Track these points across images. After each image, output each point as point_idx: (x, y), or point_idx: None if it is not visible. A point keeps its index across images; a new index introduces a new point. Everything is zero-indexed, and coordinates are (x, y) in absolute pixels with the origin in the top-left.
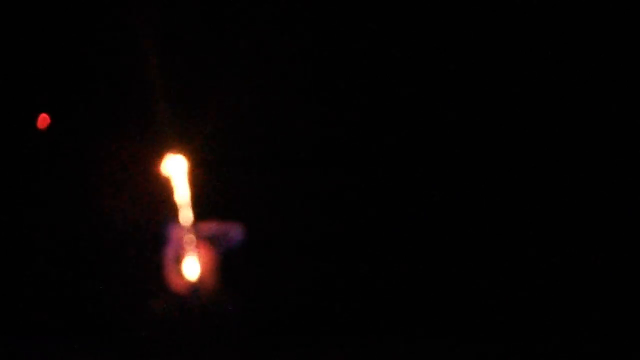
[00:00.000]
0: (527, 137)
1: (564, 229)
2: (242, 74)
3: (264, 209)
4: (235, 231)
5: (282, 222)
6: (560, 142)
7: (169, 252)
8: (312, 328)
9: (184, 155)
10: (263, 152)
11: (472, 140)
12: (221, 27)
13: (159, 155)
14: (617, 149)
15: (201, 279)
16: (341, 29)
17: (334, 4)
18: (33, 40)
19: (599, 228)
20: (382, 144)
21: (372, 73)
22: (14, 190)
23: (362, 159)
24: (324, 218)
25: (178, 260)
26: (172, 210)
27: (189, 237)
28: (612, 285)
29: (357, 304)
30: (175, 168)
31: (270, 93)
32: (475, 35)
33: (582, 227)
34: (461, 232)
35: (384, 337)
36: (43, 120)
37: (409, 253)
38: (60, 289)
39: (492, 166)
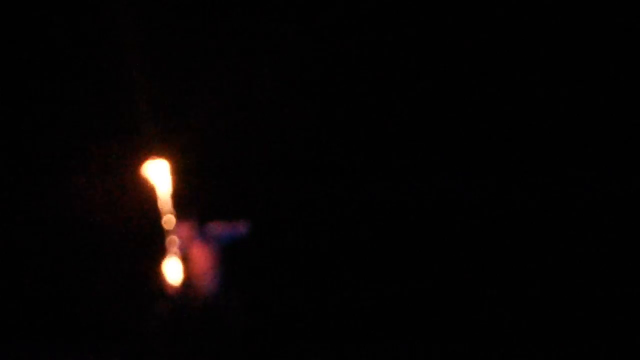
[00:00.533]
0: (526, 138)
1: (564, 230)
2: (227, 78)
3: (253, 211)
4: (227, 231)
5: (274, 223)
6: (560, 142)
7: (165, 253)
8: (310, 329)
9: (172, 159)
10: (250, 155)
11: (472, 141)
12: (205, 32)
13: (145, 159)
14: (618, 149)
15: (195, 280)
16: (327, 31)
17: (317, 6)
18: (17, 44)
19: (599, 228)
20: (366, 146)
21: (359, 75)
22: (6, 196)
23: (350, 161)
24: (314, 220)
25: (174, 261)
26: (165, 213)
27: (183, 239)
28: (612, 285)
29: (356, 307)
30: (163, 172)
31: (254, 97)
32: (475, 36)
33: (582, 228)
34: (462, 234)
35: (383, 338)
36: None
37: (408, 255)
38: (58, 292)
39: (492, 168)
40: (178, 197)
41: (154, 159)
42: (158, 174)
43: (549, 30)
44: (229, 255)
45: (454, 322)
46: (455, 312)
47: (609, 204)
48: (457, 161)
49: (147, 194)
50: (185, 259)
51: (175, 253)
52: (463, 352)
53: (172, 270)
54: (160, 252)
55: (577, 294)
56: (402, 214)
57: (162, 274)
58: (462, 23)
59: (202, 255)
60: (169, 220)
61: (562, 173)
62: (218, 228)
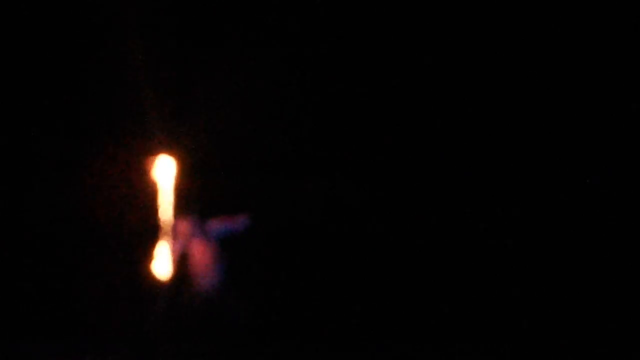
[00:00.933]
0: (526, 140)
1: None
2: (233, 79)
3: (254, 210)
4: (225, 226)
5: (275, 222)
6: (559, 142)
7: (165, 250)
8: (310, 330)
9: (175, 157)
10: (254, 155)
11: (472, 143)
12: (212, 32)
13: (150, 158)
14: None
15: (194, 277)
16: (331, 32)
17: (324, 8)
18: (23, 44)
19: (599, 229)
20: (369, 147)
21: (364, 77)
22: (8, 194)
23: (352, 162)
24: (314, 221)
25: (174, 258)
26: (166, 210)
27: (184, 235)
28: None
29: (356, 306)
30: (165, 170)
31: (260, 97)
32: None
33: (581, 229)
34: (461, 237)
35: (383, 340)
36: None
37: (408, 257)
38: (58, 291)
39: (492, 170)
40: (179, 194)
41: (157, 156)
42: (161, 171)
43: (549, 30)
44: (228, 253)
45: (454, 323)
46: (455, 313)
47: (609, 204)
48: (456, 162)
49: (149, 191)
50: (185, 255)
51: (175, 250)
52: (462, 353)
53: (172, 267)
54: (160, 249)
55: (577, 294)
56: (402, 213)
57: (162, 271)
58: (461, 23)
59: (201, 252)
60: (169, 217)
61: (561, 173)
62: (217, 224)
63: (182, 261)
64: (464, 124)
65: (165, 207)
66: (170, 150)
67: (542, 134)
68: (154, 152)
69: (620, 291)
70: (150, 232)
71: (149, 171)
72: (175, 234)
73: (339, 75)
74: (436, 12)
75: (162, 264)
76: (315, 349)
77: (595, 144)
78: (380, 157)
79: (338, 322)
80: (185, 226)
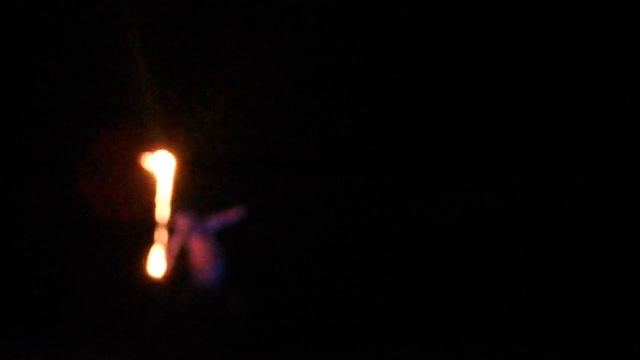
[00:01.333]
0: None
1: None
2: (231, 76)
3: (252, 207)
4: (220, 219)
5: (275, 223)
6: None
7: (164, 249)
8: (309, 330)
9: (173, 153)
10: (253, 152)
11: (472, 144)
12: (211, 27)
13: (148, 154)
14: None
15: (193, 274)
16: (333, 30)
17: (326, 6)
18: (22, 41)
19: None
20: (371, 147)
21: (366, 75)
22: (7, 193)
23: (352, 161)
24: (317, 221)
25: (173, 256)
26: (164, 207)
27: (182, 232)
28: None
29: (355, 304)
30: (163, 166)
31: (258, 95)
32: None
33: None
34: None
35: (383, 340)
36: None
37: (409, 258)
38: (57, 291)
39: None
40: (177, 191)
41: (155, 152)
42: (159, 168)
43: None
44: (227, 250)
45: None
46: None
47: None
48: (456, 162)
49: (147, 188)
50: (184, 252)
51: (174, 246)
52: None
53: (170, 264)
54: (158, 246)
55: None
56: (402, 212)
57: (161, 268)
58: (461, 24)
59: (200, 249)
60: (168, 213)
61: (560, 173)
62: (214, 219)
63: (180, 258)
64: (464, 124)
65: (164, 203)
66: (168, 146)
67: (541, 134)
68: (152, 148)
69: (620, 291)
70: (149, 228)
71: (147, 167)
72: (173, 231)
73: (338, 75)
74: (436, 12)
75: (160, 260)
76: (315, 348)
77: (595, 143)
78: (379, 157)
79: (337, 321)
80: (183, 222)
